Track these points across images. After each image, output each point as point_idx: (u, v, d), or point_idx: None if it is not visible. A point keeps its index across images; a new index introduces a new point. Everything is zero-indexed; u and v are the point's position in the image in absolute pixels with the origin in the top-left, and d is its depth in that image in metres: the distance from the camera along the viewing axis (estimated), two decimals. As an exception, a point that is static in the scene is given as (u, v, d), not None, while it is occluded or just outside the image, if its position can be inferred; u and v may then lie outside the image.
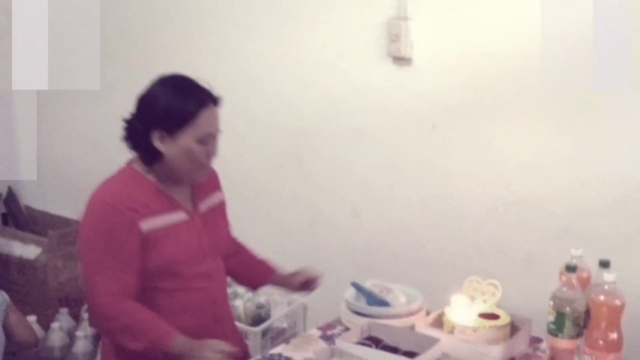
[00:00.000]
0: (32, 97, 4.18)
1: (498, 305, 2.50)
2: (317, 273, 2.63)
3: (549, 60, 2.68)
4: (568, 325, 2.36)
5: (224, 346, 2.28)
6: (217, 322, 2.48)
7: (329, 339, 2.55)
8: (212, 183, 2.55)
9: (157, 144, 2.32)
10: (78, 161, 4.13)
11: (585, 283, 2.42)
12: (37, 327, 3.61)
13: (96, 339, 3.58)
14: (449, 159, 3.03)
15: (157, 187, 2.39)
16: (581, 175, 2.77)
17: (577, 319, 2.36)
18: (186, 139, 2.31)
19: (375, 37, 3.08)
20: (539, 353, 2.49)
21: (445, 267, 3.07)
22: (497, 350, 2.37)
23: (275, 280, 2.69)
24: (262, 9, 3.38)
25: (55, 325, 3.69)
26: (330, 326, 2.65)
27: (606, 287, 2.29)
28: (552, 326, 2.39)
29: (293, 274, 2.65)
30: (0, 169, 4.21)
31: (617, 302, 2.28)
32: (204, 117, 2.32)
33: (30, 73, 4.01)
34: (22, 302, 3.72)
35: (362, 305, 2.63)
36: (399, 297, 2.65)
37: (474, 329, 2.40)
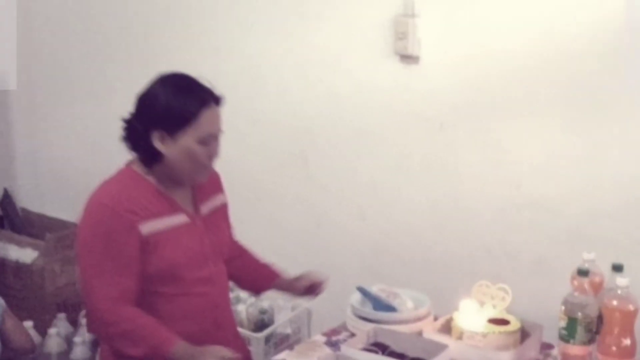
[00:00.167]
0: (29, 96, 4.17)
1: (508, 311, 2.51)
2: (322, 277, 2.64)
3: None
4: (580, 331, 2.36)
5: (226, 352, 2.29)
6: (219, 327, 2.48)
7: (334, 345, 2.55)
8: (214, 185, 2.55)
9: (157, 144, 2.32)
10: (76, 162, 4.13)
11: (597, 287, 2.42)
12: (33, 333, 3.58)
13: (94, 345, 3.57)
14: (457, 160, 3.01)
15: (157, 189, 2.39)
16: (593, 176, 2.74)
17: (590, 325, 2.36)
18: (187, 140, 2.31)
19: (382, 34, 3.06)
20: (550, 359, 2.48)
21: (454, 271, 3.05)
22: (507, 357, 2.37)
23: (279, 284, 2.69)
24: (264, 6, 3.37)
25: (52, 331, 3.67)
26: (335, 332, 2.65)
27: (619, 291, 2.30)
28: (564, 332, 2.39)
29: (297, 278, 2.66)
30: (-4, 170, 4.24)
31: (631, 307, 2.29)
32: (205, 116, 2.31)
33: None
34: (19, 307, 3.69)
35: (368, 311, 2.63)
36: (406, 302, 2.67)
37: (484, 335, 2.40)
